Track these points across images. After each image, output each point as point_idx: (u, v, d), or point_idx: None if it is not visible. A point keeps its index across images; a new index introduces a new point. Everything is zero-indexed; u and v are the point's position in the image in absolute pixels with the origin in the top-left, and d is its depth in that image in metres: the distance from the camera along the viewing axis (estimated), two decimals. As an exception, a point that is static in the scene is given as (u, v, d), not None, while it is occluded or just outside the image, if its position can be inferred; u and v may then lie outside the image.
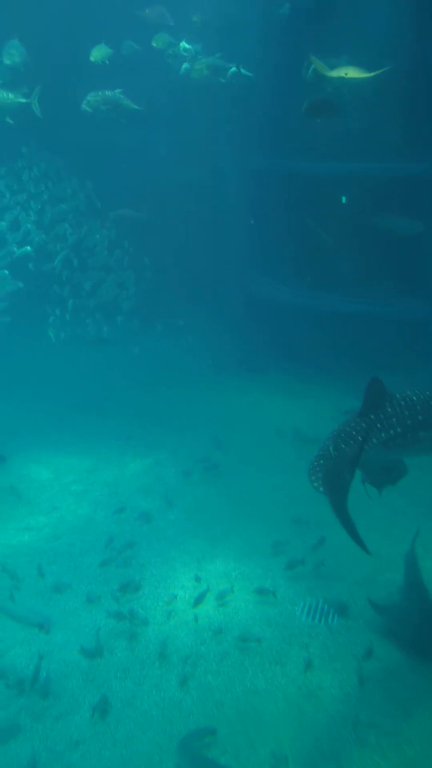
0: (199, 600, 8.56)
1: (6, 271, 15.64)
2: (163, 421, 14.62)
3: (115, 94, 11.07)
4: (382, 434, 6.38)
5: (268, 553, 9.72)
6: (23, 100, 10.29)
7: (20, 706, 7.08)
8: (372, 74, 10.32)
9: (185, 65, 13.48)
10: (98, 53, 12.40)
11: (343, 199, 15.38)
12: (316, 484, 5.96)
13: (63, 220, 17.19)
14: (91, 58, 12.36)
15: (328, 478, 5.89)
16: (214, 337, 18.16)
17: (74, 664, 7.66)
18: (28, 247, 16.35)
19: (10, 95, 10.09)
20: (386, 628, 7.93)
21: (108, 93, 11.01)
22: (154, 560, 9.70)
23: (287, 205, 16.37)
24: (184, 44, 13.40)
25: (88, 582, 9.22)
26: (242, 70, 13.16)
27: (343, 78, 10.34)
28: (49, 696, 7.19)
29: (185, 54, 13.43)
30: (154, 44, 13.33)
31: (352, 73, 10.36)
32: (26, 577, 9.27)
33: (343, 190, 15.54)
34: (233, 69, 13.08)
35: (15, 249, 16.15)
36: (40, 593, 8.97)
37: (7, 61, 11.46)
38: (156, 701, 7.14)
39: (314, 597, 8.67)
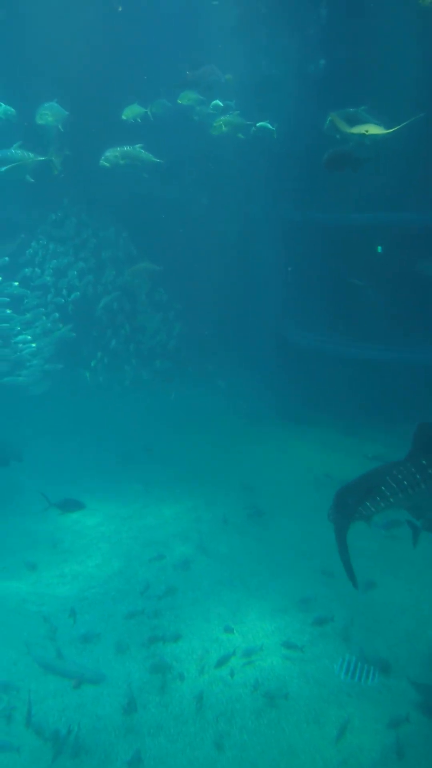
0: (229, 656, 8.37)
1: (57, 314, 16.03)
2: (199, 469, 14.58)
3: (134, 148, 11.34)
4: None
5: (304, 607, 9.48)
6: (42, 158, 10.63)
7: (53, 762, 6.94)
8: (392, 130, 10.43)
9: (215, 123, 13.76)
10: (130, 112, 12.87)
11: (379, 249, 15.45)
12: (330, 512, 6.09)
13: (103, 268, 17.62)
14: (123, 116, 12.85)
15: (339, 505, 6.01)
16: (247, 384, 18.19)
17: (107, 719, 7.52)
18: (77, 293, 16.77)
19: (30, 154, 10.42)
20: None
21: (127, 148, 11.28)
22: (189, 611, 9.55)
23: (321, 255, 16.52)
24: (217, 102, 13.71)
25: (120, 632, 9.10)
26: (267, 125, 13.37)
27: (363, 134, 10.50)
28: (80, 753, 7.05)
29: (213, 111, 13.70)
30: (180, 101, 13.59)
31: (373, 129, 10.50)
32: (60, 626, 9.20)
33: (378, 239, 15.62)
34: (253, 125, 13.27)
35: (62, 297, 16.53)
36: (72, 643, 8.88)
37: (39, 121, 11.95)
38: (190, 760, 6.94)
39: (353, 654, 8.40)
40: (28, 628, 9.20)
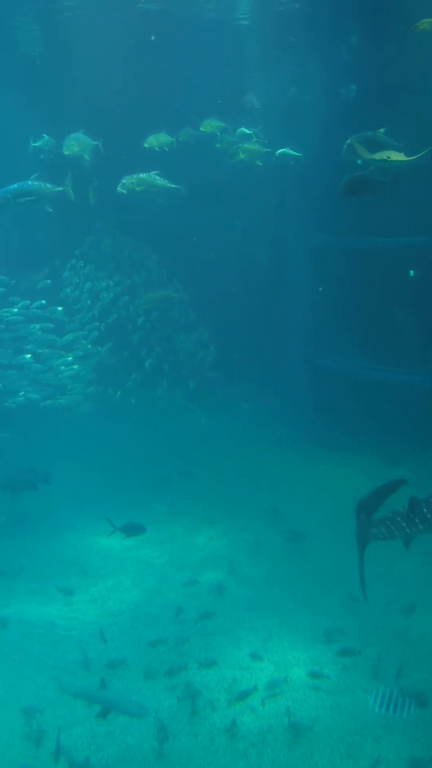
0: (260, 686, 8.21)
1: (89, 346, 16.24)
2: (230, 494, 14.48)
3: (150, 175, 11.46)
4: None
5: (337, 637, 9.28)
6: (60, 188, 10.84)
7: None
8: (415, 157, 10.40)
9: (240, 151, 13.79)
10: (155, 140, 12.89)
11: (411, 273, 15.35)
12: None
13: (136, 290, 17.86)
14: (146, 145, 12.91)
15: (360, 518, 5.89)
16: (278, 408, 18.10)
17: (137, 748, 7.39)
18: (114, 315, 16.99)
19: (48, 185, 10.62)
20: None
21: (143, 175, 11.41)
22: (220, 638, 9.41)
23: (354, 280, 16.49)
24: (243, 129, 13.77)
25: (150, 658, 8.98)
26: (289, 151, 13.33)
27: (385, 161, 10.51)
28: (109, 782, 6.94)
29: (235, 139, 13.71)
30: (203, 129, 13.57)
31: (394, 156, 10.50)
32: (90, 650, 9.13)
33: (411, 263, 15.54)
34: (274, 153, 13.24)
35: (98, 319, 16.78)
36: (101, 668, 8.79)
37: (66, 152, 12.20)
38: (221, 792, 6.78)
39: (389, 686, 8.17)
40: (57, 652, 9.16)
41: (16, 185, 9.90)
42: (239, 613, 10.04)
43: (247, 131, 13.73)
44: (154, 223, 17.56)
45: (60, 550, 12.48)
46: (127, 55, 15.65)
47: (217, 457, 16.40)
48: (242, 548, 12.16)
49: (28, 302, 15.63)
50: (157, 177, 11.37)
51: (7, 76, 17.24)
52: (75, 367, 15.91)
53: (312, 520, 13.09)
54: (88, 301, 17.02)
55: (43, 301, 15.75)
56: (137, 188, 11.16)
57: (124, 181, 11.13)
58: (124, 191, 11.14)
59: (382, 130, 11.21)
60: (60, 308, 15.91)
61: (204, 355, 17.99)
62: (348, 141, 10.97)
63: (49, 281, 16.23)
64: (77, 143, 12.03)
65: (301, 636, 9.38)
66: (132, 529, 10.83)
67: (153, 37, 15.77)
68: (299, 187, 17.01)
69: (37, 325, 15.61)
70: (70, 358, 15.82)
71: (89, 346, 16.23)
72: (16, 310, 15.47)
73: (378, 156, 10.75)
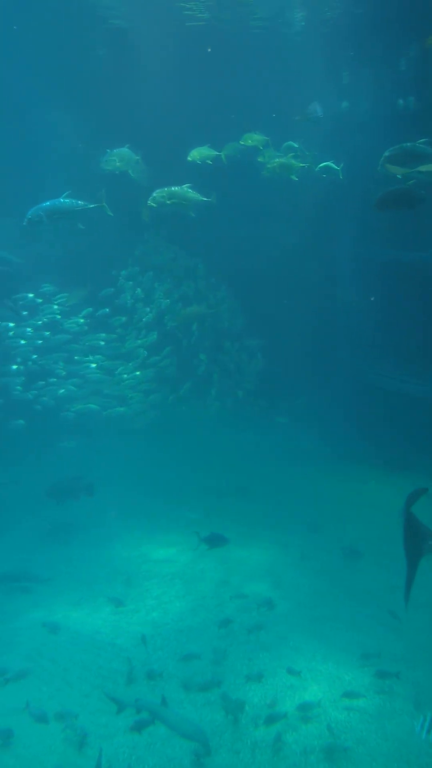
0: (304, 705, 8.06)
1: (145, 352, 16.52)
2: (279, 508, 14.35)
3: (181, 188, 11.34)
4: None
5: (384, 659, 9.05)
6: (93, 206, 10.90)
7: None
8: None
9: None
10: (198, 154, 12.72)
11: None
12: None
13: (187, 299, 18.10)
14: (189, 158, 12.78)
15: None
16: (332, 424, 17.89)
17: (177, 761, 7.36)
18: (173, 324, 17.28)
19: (80, 202, 10.69)
20: None
21: (174, 188, 11.30)
22: (263, 654, 9.30)
23: (406, 295, 16.23)
24: (290, 143, 13.61)
25: (192, 671, 8.95)
26: (331, 165, 13.07)
27: (420, 172, 10.34)
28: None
29: (281, 152, 13.49)
30: (242, 143, 13.36)
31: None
32: (134, 661, 9.15)
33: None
34: (314, 167, 12.94)
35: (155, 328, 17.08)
36: (143, 678, 8.79)
37: (106, 167, 12.27)
38: None
39: (433, 711, 7.92)
40: (101, 660, 9.22)
41: (48, 203, 9.99)
42: (284, 629, 9.91)
43: (295, 144, 13.57)
44: (207, 236, 17.71)
45: (107, 558, 12.59)
46: (177, 69, 15.85)
47: (267, 469, 16.30)
48: (287, 563, 12.02)
49: (90, 309, 15.94)
50: (189, 190, 11.27)
51: (64, 92, 17.68)
52: (137, 373, 16.11)
53: (365, 539, 12.80)
54: (147, 309, 17.22)
55: (107, 309, 16.00)
56: (167, 201, 11.09)
57: (154, 194, 11.06)
58: (154, 205, 11.06)
59: (423, 140, 10.96)
60: (123, 318, 16.17)
61: (250, 364, 17.97)
62: (384, 154, 10.77)
63: (112, 289, 16.52)
64: (119, 158, 12.12)
65: (344, 656, 9.19)
66: (215, 540, 10.87)
67: (209, 49, 15.80)
68: (351, 200, 16.89)
69: (103, 334, 15.94)
70: (132, 368, 16.04)
71: (145, 352, 16.41)
72: (82, 320, 15.79)
73: (425, 168, 10.56)
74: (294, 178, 13.01)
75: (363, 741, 7.52)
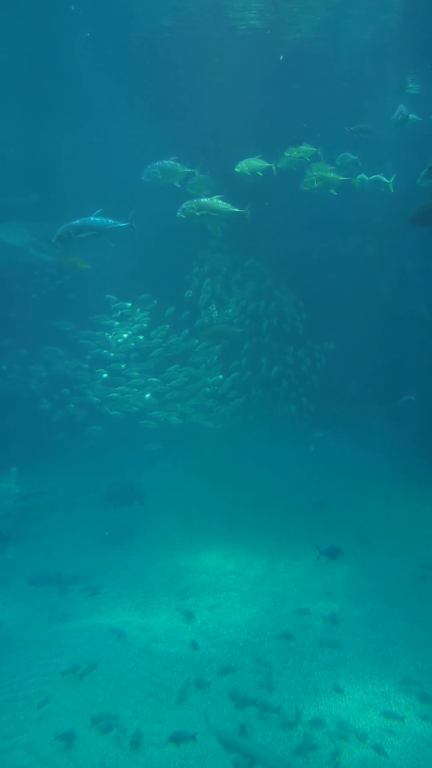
0: (359, 732, 7.87)
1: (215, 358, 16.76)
2: (344, 525, 14.18)
3: (211, 200, 11.17)
4: None
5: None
6: (124, 224, 10.97)
7: None
8: None
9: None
10: (246, 165, 12.42)
11: None
12: None
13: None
14: (237, 170, 12.52)
15: None
16: (397, 440, 17.55)
17: (227, 775, 7.30)
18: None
19: (110, 221, 10.76)
20: None
21: (204, 200, 11.13)
22: (318, 674, 9.13)
23: None
24: (346, 154, 13.35)
25: (244, 685, 8.84)
26: (381, 178, 12.66)
27: None
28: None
29: (328, 165, 13.12)
30: (287, 154, 13.03)
31: None
32: (187, 672, 9.16)
33: None
34: (354, 180, 12.48)
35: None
36: (195, 691, 8.78)
37: (145, 179, 12.34)
38: None
39: None
40: (155, 668, 9.24)
41: (78, 221, 10.17)
42: (342, 651, 9.71)
43: (352, 156, 13.26)
44: (274, 247, 17.82)
45: (165, 566, 12.65)
46: (242, 79, 15.97)
47: (330, 485, 16.07)
48: (350, 583, 11.77)
49: (172, 309, 16.21)
50: (220, 201, 11.15)
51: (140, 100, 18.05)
52: (220, 376, 16.23)
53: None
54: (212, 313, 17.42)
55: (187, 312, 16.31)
56: (197, 213, 10.98)
57: (183, 206, 11.01)
58: (183, 216, 10.95)
59: None
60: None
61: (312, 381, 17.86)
62: (429, 164, 10.42)
63: (191, 292, 16.77)
64: (160, 171, 12.10)
65: (404, 681, 8.93)
66: (334, 553, 11.11)
67: (281, 57, 15.69)
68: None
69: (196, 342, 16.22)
70: (220, 377, 16.23)
71: (215, 358, 16.57)
72: (168, 326, 16.03)
73: None
74: (333, 192, 12.52)
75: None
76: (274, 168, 12.76)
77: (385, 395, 18.01)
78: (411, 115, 13.24)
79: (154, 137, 16.67)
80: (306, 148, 12.97)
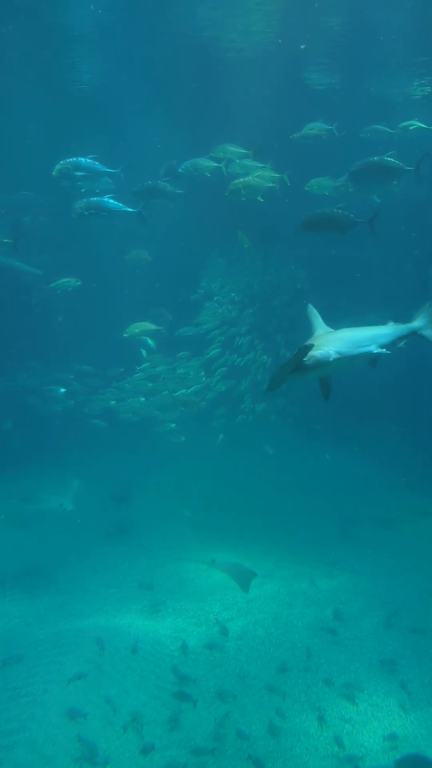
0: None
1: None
2: (357, 541, 14.04)
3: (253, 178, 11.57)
4: None
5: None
6: (132, 210, 11.56)
7: None
8: None
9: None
10: (316, 185, 12.37)
11: None
12: None
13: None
14: (306, 188, 12.55)
15: None
16: (407, 453, 17.39)
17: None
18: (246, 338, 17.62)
19: (121, 205, 11.51)
20: None
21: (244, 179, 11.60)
22: (321, 689, 9.04)
23: None
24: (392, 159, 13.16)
25: (247, 692, 8.77)
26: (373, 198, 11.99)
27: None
28: None
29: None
30: (213, 154, 12.71)
31: None
32: (187, 676, 9.13)
33: None
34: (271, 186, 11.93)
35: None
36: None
37: (165, 189, 12.58)
38: None
39: None
40: (159, 671, 9.22)
41: (96, 199, 11.40)
42: (353, 665, 9.60)
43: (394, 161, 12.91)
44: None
45: (173, 569, 12.64)
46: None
47: (336, 497, 15.95)
48: (367, 596, 11.62)
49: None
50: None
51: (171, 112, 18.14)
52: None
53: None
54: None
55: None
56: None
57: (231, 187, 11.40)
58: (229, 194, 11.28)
59: (390, 152, 10.49)
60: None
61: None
62: (351, 169, 10.41)
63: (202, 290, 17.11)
64: (193, 166, 12.56)
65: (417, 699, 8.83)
66: None
67: (303, 46, 15.44)
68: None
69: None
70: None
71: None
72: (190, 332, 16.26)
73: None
74: (260, 199, 11.86)
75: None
76: (224, 170, 12.59)
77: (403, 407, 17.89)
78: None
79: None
80: (234, 149, 12.74)
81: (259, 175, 11.67)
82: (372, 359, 6.50)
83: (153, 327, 13.68)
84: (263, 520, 14.89)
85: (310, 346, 5.66)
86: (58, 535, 14.37)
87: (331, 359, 5.88)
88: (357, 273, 18.26)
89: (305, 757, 7.61)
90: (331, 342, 6.10)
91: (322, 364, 5.83)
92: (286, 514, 15.25)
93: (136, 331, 13.62)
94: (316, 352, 5.80)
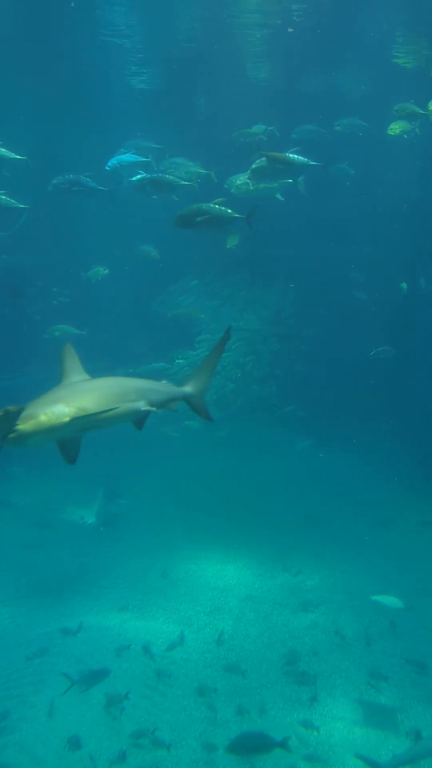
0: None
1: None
2: (351, 540, 14.00)
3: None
4: None
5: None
6: (103, 189, 12.26)
7: None
8: None
9: None
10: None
11: None
12: None
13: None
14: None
15: None
16: (397, 454, 17.41)
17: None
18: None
19: (94, 184, 12.17)
20: None
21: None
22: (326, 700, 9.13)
23: None
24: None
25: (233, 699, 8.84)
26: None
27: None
28: None
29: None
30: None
31: None
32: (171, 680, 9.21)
33: None
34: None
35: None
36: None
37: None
38: None
39: None
40: (149, 671, 9.28)
41: (72, 175, 12.21)
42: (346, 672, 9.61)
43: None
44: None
45: (164, 569, 12.59)
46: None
47: (328, 497, 15.93)
48: (359, 599, 11.56)
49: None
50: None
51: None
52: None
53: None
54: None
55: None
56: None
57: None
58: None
59: (293, 149, 10.21)
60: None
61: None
62: (252, 167, 10.29)
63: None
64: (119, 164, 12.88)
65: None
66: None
67: (290, 29, 14.98)
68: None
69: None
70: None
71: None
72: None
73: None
74: (174, 198, 11.21)
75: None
76: (213, 175, 11.87)
77: (395, 407, 17.90)
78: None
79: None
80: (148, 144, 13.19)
81: (175, 173, 11.16)
82: (138, 419, 5.37)
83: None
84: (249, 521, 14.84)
85: (19, 409, 4.31)
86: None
87: (65, 420, 4.58)
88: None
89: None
90: (78, 395, 4.85)
91: (50, 428, 4.53)
92: (274, 512, 15.22)
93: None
94: (41, 412, 4.50)
